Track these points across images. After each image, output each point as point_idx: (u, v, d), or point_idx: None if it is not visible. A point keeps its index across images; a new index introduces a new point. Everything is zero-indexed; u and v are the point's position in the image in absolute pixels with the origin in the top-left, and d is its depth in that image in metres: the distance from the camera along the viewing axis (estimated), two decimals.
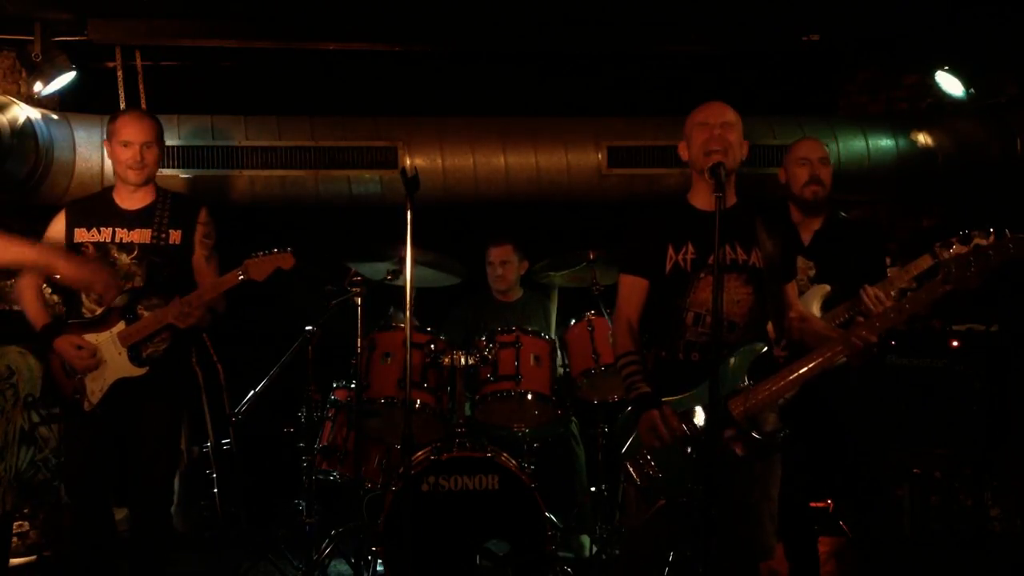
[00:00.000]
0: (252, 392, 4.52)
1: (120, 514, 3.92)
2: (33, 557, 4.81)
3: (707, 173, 2.93)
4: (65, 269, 3.33)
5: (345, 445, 4.52)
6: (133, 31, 5.05)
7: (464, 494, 3.97)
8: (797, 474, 3.42)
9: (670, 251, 3.02)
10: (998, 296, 4.58)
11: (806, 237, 3.76)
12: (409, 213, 3.23)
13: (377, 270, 4.41)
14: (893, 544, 3.92)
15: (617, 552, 4.28)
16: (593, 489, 4.83)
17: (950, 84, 5.36)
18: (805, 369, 2.86)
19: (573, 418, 4.89)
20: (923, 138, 5.54)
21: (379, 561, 4.10)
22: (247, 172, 5.08)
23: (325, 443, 4.56)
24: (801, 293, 3.48)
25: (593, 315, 4.46)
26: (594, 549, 4.60)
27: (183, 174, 5.00)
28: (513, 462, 4.12)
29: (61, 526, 4.76)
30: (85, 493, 3.60)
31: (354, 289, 4.22)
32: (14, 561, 4.67)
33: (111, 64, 5.29)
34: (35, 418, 4.62)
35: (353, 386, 4.38)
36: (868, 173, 5.51)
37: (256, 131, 5.12)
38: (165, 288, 3.56)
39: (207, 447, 5.04)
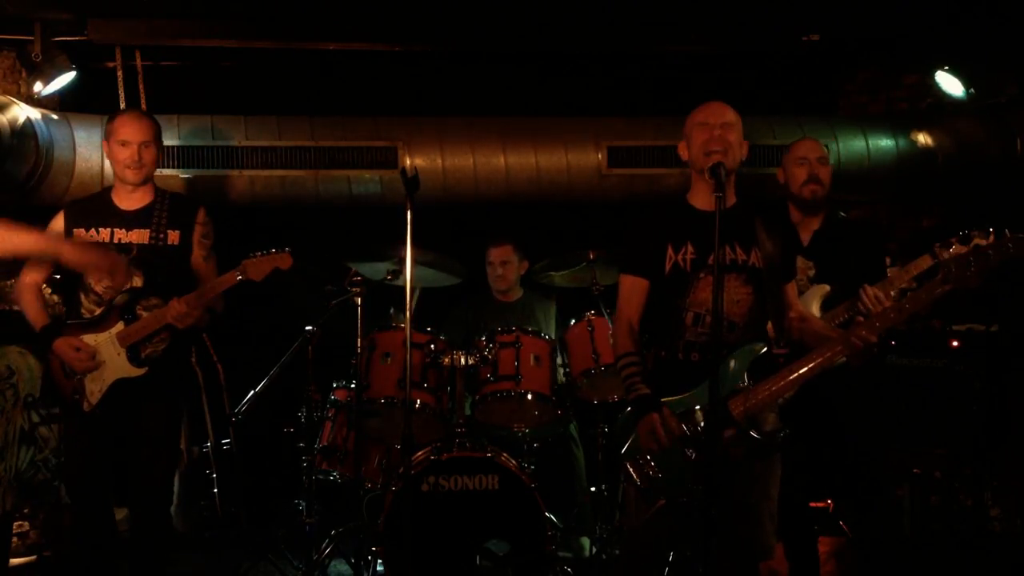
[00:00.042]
0: (252, 392, 4.52)
1: (120, 514, 3.91)
2: (33, 557, 4.81)
3: (707, 173, 2.93)
4: (71, 254, 3.35)
5: (345, 445, 4.52)
6: (133, 31, 5.05)
7: (464, 494, 3.97)
8: (797, 474, 3.42)
9: (670, 251, 3.02)
10: (998, 296, 4.58)
11: (805, 237, 3.76)
12: (409, 213, 3.24)
13: (377, 270, 4.41)
14: (893, 544, 3.92)
15: (617, 552, 4.28)
16: (593, 489, 4.83)
17: (950, 84, 5.36)
18: (805, 369, 2.86)
19: (573, 421, 4.89)
20: (923, 138, 5.54)
21: (379, 561, 4.10)
22: (247, 172, 5.07)
23: (325, 443, 4.56)
24: (801, 293, 3.48)
25: (593, 315, 4.46)
26: (594, 550, 4.60)
27: (183, 174, 5.00)
28: (513, 462, 4.12)
29: (61, 526, 4.76)
30: (85, 493, 3.61)
31: (354, 289, 4.22)
32: (14, 561, 4.67)
33: (111, 64, 5.29)
34: (35, 418, 4.62)
35: (353, 386, 4.38)
36: (868, 173, 5.51)
37: (256, 131, 5.11)
38: (164, 288, 3.56)
39: (207, 447, 5.05)
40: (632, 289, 3.07)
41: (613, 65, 5.79)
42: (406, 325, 3.28)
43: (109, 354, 3.52)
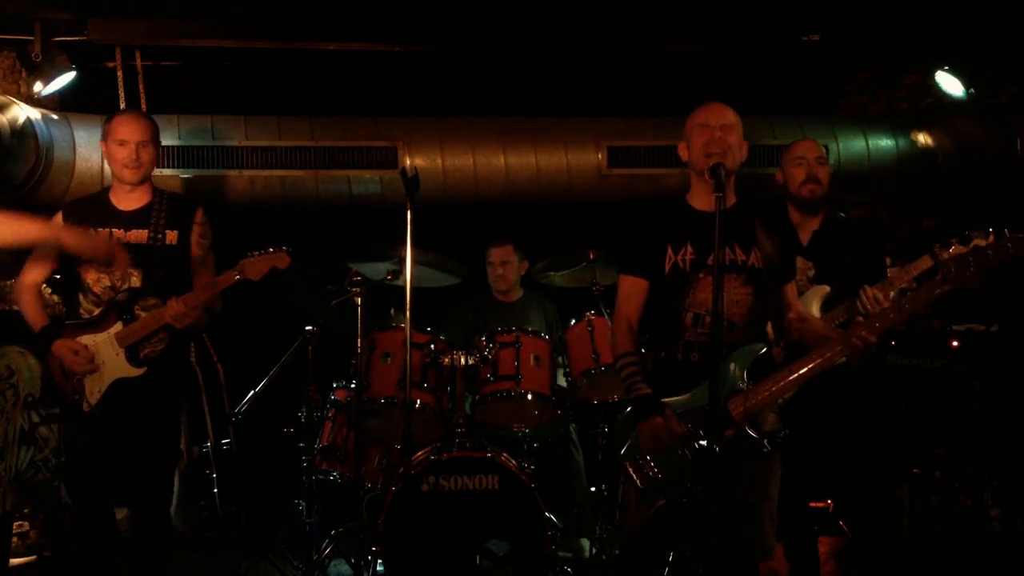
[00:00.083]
0: (252, 392, 4.52)
1: (120, 514, 3.92)
2: (33, 557, 4.81)
3: (707, 173, 2.93)
4: (70, 240, 3.35)
5: (345, 445, 4.52)
6: (133, 31, 5.05)
7: (464, 494, 3.97)
8: (797, 474, 3.42)
9: (669, 252, 3.02)
10: (998, 296, 4.58)
11: (804, 237, 3.76)
12: (409, 213, 3.24)
13: (377, 270, 4.41)
14: (893, 544, 3.92)
15: (617, 552, 4.28)
16: (593, 489, 4.84)
17: (950, 84, 5.36)
18: (805, 369, 2.86)
19: (572, 422, 4.89)
20: (923, 138, 5.54)
21: (379, 561, 4.10)
22: (247, 172, 5.07)
23: (325, 443, 4.56)
24: (801, 294, 3.48)
25: (593, 315, 4.46)
26: (594, 550, 4.60)
27: (183, 174, 5.00)
28: (513, 462, 4.12)
29: (61, 526, 4.76)
30: (86, 493, 3.61)
31: (354, 289, 4.22)
32: (14, 561, 4.67)
33: (111, 64, 5.30)
34: (35, 418, 4.62)
35: (353, 386, 4.38)
36: (868, 173, 5.51)
37: (256, 131, 5.11)
38: (162, 288, 3.56)
39: (207, 447, 5.05)
40: (631, 289, 3.08)
41: (613, 65, 5.78)
42: (406, 325, 3.28)
43: (108, 354, 3.52)
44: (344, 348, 4.44)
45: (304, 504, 4.40)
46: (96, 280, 3.57)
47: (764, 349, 2.96)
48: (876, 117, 5.87)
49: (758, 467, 2.98)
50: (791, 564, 3.76)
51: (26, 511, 4.79)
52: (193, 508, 5.12)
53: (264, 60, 5.52)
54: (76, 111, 5.03)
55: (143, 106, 5.22)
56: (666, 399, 2.94)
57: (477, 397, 4.32)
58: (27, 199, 4.74)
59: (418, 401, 4.17)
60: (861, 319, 3.34)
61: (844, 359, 2.87)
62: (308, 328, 4.36)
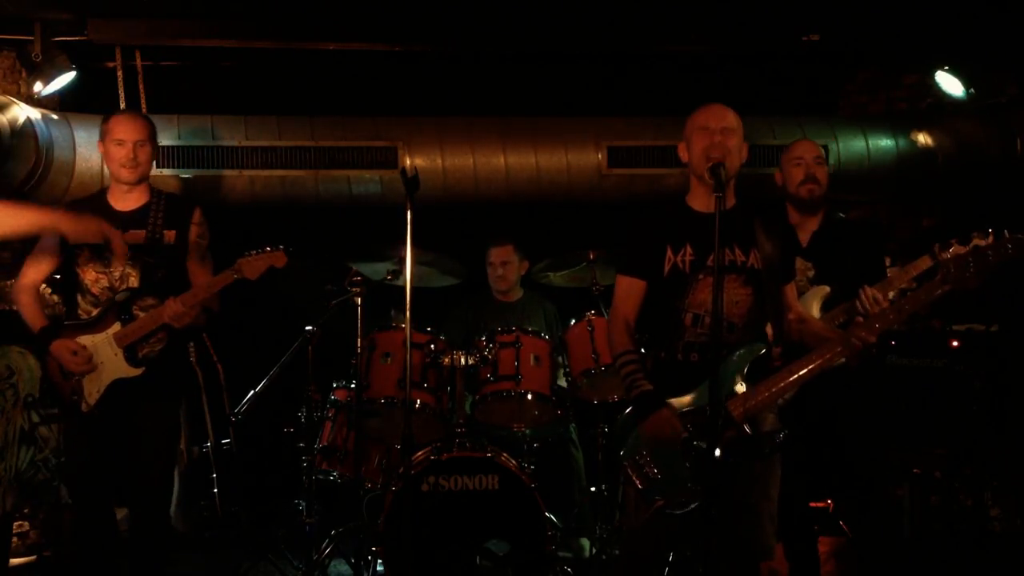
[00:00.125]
0: (252, 392, 4.52)
1: (120, 514, 3.92)
2: (33, 557, 4.81)
3: (707, 173, 2.92)
4: (68, 225, 3.34)
5: (345, 445, 4.52)
6: (133, 31, 5.05)
7: (464, 494, 3.97)
8: (797, 474, 3.42)
9: (668, 252, 3.02)
10: (998, 296, 4.57)
11: (804, 238, 3.76)
12: (409, 213, 3.24)
13: (377, 270, 4.41)
14: (893, 544, 3.92)
15: (617, 552, 4.28)
16: (593, 490, 4.84)
17: (950, 84, 5.36)
18: (804, 370, 2.86)
19: (572, 423, 4.89)
20: (923, 138, 5.54)
21: (379, 561, 4.10)
22: (247, 172, 5.07)
23: (325, 443, 4.56)
24: (800, 294, 3.48)
25: (593, 315, 4.46)
26: (594, 550, 4.60)
27: (183, 174, 5.00)
28: (513, 462, 4.12)
29: (61, 526, 4.76)
30: (86, 494, 3.61)
31: (354, 289, 4.22)
32: (14, 561, 4.67)
33: (111, 64, 5.30)
34: (35, 418, 4.62)
35: (353, 386, 4.38)
36: (868, 173, 5.51)
37: (256, 131, 5.11)
38: (160, 288, 3.56)
39: (207, 447, 5.05)
40: (629, 290, 3.08)
41: (613, 65, 5.78)
42: (406, 325, 3.28)
43: (107, 355, 3.52)
44: (344, 348, 4.44)
45: (304, 504, 4.40)
46: (94, 281, 3.58)
47: (764, 350, 2.96)
48: (876, 117, 5.87)
49: (758, 467, 2.98)
50: (791, 564, 3.76)
51: (26, 511, 4.79)
52: (193, 508, 5.13)
53: (264, 60, 5.51)
54: (76, 111, 5.03)
55: (143, 106, 5.22)
56: (667, 400, 2.94)
57: (477, 397, 4.32)
58: (27, 199, 4.74)
59: (418, 401, 4.17)
60: (861, 319, 3.34)
61: (844, 359, 2.87)
62: (308, 328, 4.36)
